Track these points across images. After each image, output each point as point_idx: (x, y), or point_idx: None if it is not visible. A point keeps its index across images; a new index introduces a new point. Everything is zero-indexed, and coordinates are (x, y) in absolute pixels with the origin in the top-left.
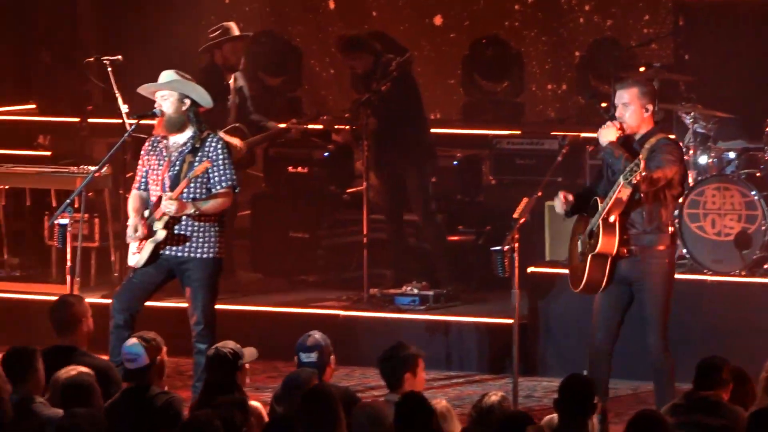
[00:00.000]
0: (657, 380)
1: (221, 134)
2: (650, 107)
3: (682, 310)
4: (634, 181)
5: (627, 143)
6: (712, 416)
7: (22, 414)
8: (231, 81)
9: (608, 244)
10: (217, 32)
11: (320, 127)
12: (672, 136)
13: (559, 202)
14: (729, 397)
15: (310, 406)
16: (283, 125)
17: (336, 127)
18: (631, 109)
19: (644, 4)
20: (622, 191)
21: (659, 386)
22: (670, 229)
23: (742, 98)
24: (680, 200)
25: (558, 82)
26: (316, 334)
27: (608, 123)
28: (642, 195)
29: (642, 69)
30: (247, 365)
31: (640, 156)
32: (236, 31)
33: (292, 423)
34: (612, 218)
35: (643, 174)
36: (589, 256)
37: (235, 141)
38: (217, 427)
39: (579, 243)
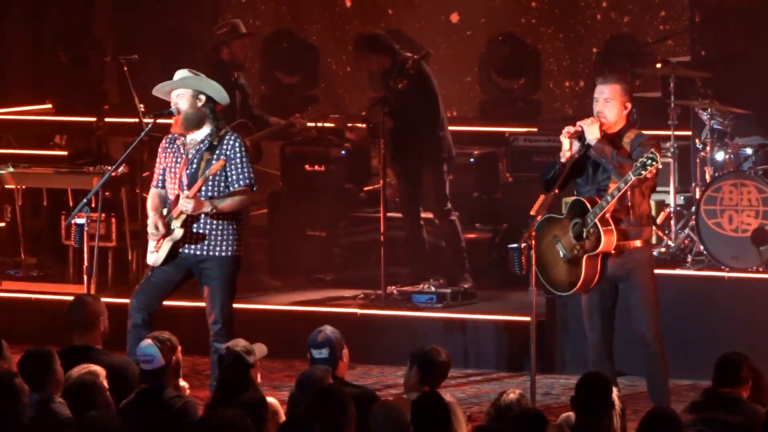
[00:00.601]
0: (652, 370)
1: None
2: (629, 105)
3: (700, 306)
4: (649, 175)
5: (604, 139)
6: (732, 413)
7: (41, 414)
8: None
9: (609, 242)
10: (225, 29)
11: (332, 125)
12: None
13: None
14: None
15: (321, 405)
16: (285, 121)
17: (349, 125)
18: (611, 105)
19: (661, 1)
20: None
21: (654, 376)
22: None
23: (759, 94)
24: (655, 171)
25: (576, 78)
26: (327, 329)
27: (592, 118)
28: (630, 190)
29: (658, 65)
30: (257, 362)
31: (652, 149)
32: (243, 29)
33: (307, 423)
34: (607, 215)
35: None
36: (585, 257)
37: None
38: (248, 425)
39: (559, 245)
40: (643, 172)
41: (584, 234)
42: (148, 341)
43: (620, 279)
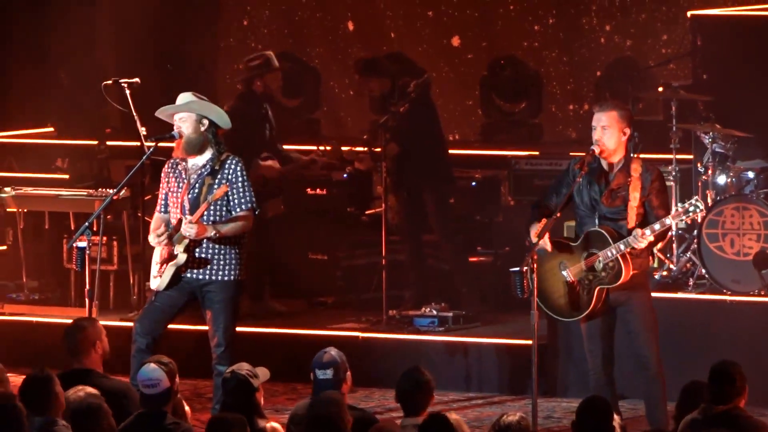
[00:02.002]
0: (652, 392)
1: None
2: (628, 131)
3: (701, 330)
4: (689, 221)
5: (603, 170)
6: (732, 428)
7: None
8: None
9: (627, 275)
10: (258, 62)
11: (338, 152)
12: (642, 157)
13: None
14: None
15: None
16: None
17: (349, 149)
18: (609, 132)
19: (662, 24)
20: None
21: (654, 399)
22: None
23: (760, 117)
24: (699, 220)
25: (579, 102)
26: (332, 351)
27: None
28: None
29: (660, 89)
30: (260, 386)
31: (696, 197)
32: (276, 62)
33: None
34: (627, 251)
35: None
36: (597, 288)
37: (275, 165)
38: None
39: (566, 272)
40: (684, 217)
41: (600, 265)
42: (152, 365)
43: (619, 303)
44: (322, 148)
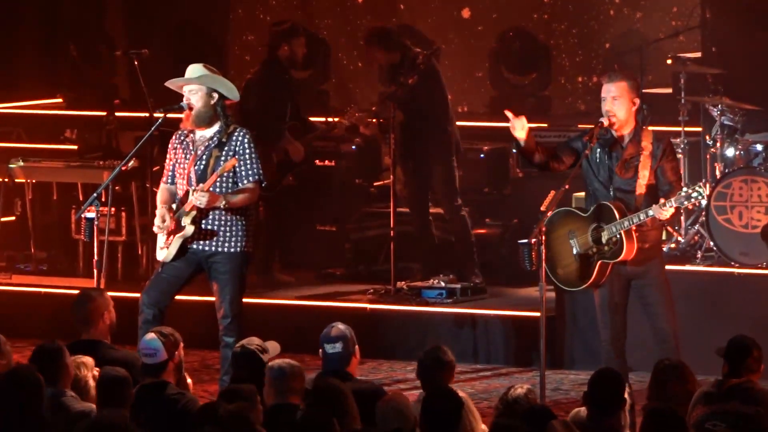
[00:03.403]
0: None
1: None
2: (637, 101)
3: (709, 302)
4: (690, 207)
5: (615, 142)
6: (746, 403)
7: (54, 408)
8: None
9: (629, 253)
10: (286, 26)
11: (345, 121)
12: (653, 129)
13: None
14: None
15: (317, 401)
16: (327, 120)
17: (366, 119)
18: (619, 102)
19: None
20: (664, 214)
21: None
22: None
23: None
24: (707, 192)
25: (588, 74)
26: (340, 325)
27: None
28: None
29: (669, 61)
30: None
31: (700, 183)
32: (301, 28)
33: (322, 417)
34: (633, 227)
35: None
36: (599, 262)
37: (299, 147)
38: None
39: (574, 241)
40: (685, 202)
41: (604, 239)
42: (151, 335)
43: (636, 276)
44: (332, 120)
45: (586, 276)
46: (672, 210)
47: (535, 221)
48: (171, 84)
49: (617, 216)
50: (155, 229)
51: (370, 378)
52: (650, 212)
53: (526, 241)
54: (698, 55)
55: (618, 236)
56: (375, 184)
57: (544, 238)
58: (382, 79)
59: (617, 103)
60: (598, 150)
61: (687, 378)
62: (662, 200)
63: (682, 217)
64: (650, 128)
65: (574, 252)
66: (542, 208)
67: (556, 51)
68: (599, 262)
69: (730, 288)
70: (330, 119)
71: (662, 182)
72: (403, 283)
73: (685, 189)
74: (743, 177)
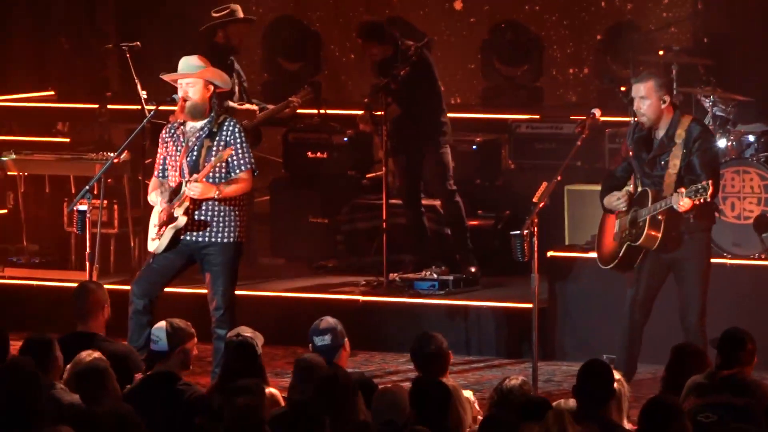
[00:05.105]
0: None
1: (233, 105)
2: (667, 98)
3: None
4: (698, 203)
5: (649, 137)
6: (738, 395)
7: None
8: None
9: (650, 240)
10: (223, 12)
11: (338, 113)
12: (698, 120)
13: (623, 202)
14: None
15: (324, 392)
16: (319, 112)
17: (364, 115)
18: (648, 102)
19: None
20: (681, 204)
21: None
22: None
23: (761, 81)
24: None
25: (579, 66)
26: (329, 318)
27: None
28: None
29: (661, 52)
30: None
31: (703, 181)
32: (242, 14)
33: (308, 408)
34: (660, 216)
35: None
36: (626, 245)
37: (253, 107)
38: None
39: (618, 223)
40: (693, 197)
41: (637, 222)
42: (162, 323)
43: (676, 263)
44: (322, 111)
45: (615, 257)
46: (688, 201)
47: (527, 212)
48: (167, 76)
49: (649, 202)
50: (151, 201)
51: (362, 370)
52: (670, 201)
53: (518, 232)
54: (690, 46)
55: (643, 222)
56: (367, 175)
57: (536, 229)
58: (375, 71)
59: (645, 103)
60: (636, 145)
61: (705, 365)
62: (681, 189)
63: None
64: (689, 117)
65: (615, 231)
66: (534, 200)
67: (548, 42)
68: (626, 245)
69: (722, 279)
70: (320, 111)
71: (690, 174)
72: (395, 274)
73: (701, 183)
74: (735, 168)
